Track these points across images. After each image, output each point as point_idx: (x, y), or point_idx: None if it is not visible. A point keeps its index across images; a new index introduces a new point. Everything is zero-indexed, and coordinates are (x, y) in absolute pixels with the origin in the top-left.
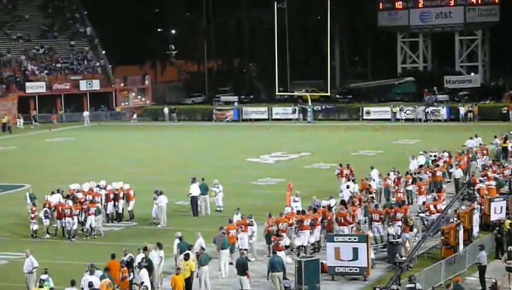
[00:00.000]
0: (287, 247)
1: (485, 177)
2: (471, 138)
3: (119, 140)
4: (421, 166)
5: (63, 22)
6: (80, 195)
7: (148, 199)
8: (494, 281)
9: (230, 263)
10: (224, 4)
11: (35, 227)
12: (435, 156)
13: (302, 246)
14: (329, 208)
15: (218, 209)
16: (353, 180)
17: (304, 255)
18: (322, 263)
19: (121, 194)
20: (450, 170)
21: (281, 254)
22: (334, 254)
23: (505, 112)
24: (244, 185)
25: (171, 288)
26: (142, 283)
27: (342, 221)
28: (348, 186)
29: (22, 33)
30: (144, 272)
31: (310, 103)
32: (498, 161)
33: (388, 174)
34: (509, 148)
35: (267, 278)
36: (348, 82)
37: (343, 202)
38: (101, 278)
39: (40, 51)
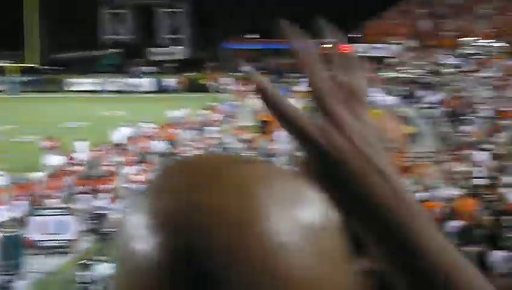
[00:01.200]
0: None
1: (191, 148)
2: (174, 110)
3: None
4: (128, 137)
5: None
6: None
7: None
8: None
9: None
10: None
11: None
12: (141, 127)
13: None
14: (38, 181)
15: None
16: (59, 153)
17: (5, 230)
18: (25, 237)
19: None
20: (154, 142)
21: None
22: (39, 227)
23: (206, 83)
24: None
25: None
26: None
27: (51, 194)
28: (54, 159)
29: None
30: None
31: (13, 75)
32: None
33: (95, 146)
34: (214, 119)
35: None
36: (53, 53)
37: (50, 175)
38: None
39: None
